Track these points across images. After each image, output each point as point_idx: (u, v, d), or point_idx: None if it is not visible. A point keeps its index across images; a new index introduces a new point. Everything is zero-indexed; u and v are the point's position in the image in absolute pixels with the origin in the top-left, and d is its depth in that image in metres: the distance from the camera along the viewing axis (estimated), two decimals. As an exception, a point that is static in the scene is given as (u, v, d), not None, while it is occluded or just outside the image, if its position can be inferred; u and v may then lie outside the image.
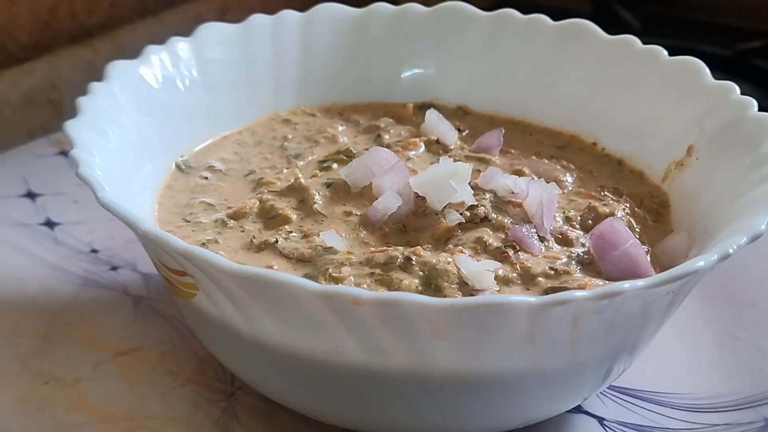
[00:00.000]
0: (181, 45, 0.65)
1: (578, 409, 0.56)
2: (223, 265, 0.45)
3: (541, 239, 0.53)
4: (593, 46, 0.66)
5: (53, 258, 0.67)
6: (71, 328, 0.61)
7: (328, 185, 0.58)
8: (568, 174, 0.61)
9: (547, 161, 0.62)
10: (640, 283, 0.44)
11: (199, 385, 0.57)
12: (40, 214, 0.71)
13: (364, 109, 0.69)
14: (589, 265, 0.53)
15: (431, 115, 0.64)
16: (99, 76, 0.60)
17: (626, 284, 0.43)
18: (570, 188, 0.60)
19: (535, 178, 0.57)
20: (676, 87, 0.61)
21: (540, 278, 0.51)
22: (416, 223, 0.54)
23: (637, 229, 0.56)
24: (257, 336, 0.48)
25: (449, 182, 0.54)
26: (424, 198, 0.55)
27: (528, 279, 0.51)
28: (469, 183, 0.55)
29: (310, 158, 0.63)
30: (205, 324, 0.52)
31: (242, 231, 0.56)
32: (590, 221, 0.56)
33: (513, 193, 0.55)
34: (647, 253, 0.54)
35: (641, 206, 0.59)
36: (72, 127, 0.55)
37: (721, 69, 0.69)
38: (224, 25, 0.67)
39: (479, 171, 0.58)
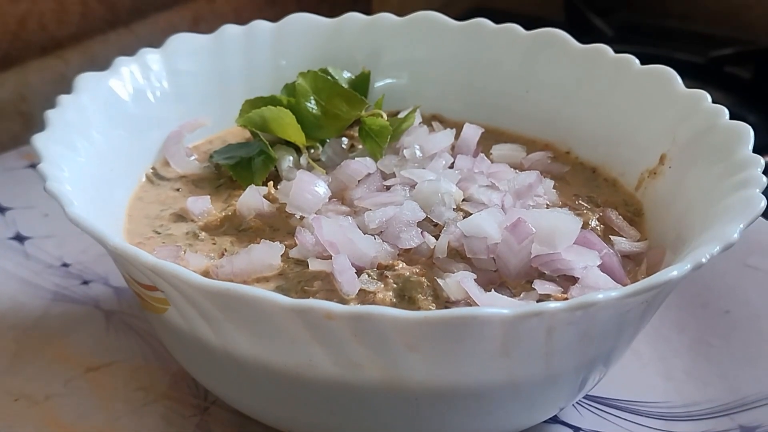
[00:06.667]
0: (151, 56, 0.64)
1: (554, 420, 0.55)
2: (192, 280, 0.44)
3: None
4: (565, 55, 0.66)
5: (23, 272, 0.66)
6: (42, 343, 0.60)
7: (302, 196, 0.58)
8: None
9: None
10: (613, 293, 0.43)
11: (172, 400, 0.56)
12: (10, 228, 0.70)
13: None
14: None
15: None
16: (70, 88, 0.59)
17: (599, 295, 0.43)
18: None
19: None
20: (648, 96, 0.61)
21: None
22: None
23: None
24: (229, 351, 0.47)
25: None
26: None
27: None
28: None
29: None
30: (177, 339, 0.51)
31: (213, 243, 0.55)
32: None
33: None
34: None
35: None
36: (40, 140, 0.54)
37: (693, 76, 0.69)
38: (195, 35, 0.67)
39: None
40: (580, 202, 0.59)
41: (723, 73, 0.96)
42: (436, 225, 0.54)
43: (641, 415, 0.56)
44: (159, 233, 0.57)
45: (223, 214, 0.57)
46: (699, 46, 0.99)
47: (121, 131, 0.61)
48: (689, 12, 1.07)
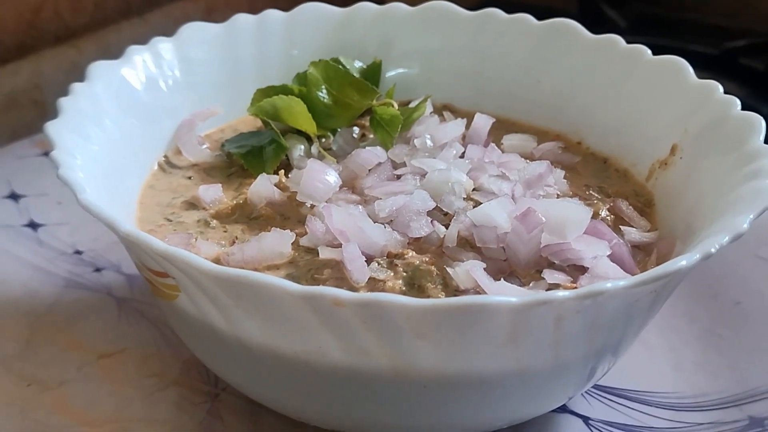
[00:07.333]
0: (163, 45, 0.64)
1: (563, 409, 0.56)
2: (203, 267, 0.44)
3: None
4: (577, 45, 0.65)
5: (36, 260, 0.66)
6: (54, 330, 0.61)
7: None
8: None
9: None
10: (621, 282, 0.43)
11: (183, 387, 0.57)
12: (24, 216, 0.71)
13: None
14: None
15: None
16: (83, 77, 0.60)
17: (608, 284, 0.43)
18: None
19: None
20: (659, 86, 0.61)
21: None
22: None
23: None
24: (239, 337, 0.48)
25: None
26: None
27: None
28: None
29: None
30: (188, 326, 0.51)
31: (225, 231, 0.56)
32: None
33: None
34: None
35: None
36: (53, 128, 0.54)
37: (707, 67, 0.69)
38: (207, 24, 0.67)
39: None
40: (590, 192, 0.59)
41: (737, 65, 0.95)
42: (446, 214, 0.54)
43: (650, 405, 0.56)
44: (170, 221, 0.57)
45: (235, 202, 0.58)
46: (713, 38, 0.98)
47: (133, 119, 0.61)
48: (703, 3, 1.07)
